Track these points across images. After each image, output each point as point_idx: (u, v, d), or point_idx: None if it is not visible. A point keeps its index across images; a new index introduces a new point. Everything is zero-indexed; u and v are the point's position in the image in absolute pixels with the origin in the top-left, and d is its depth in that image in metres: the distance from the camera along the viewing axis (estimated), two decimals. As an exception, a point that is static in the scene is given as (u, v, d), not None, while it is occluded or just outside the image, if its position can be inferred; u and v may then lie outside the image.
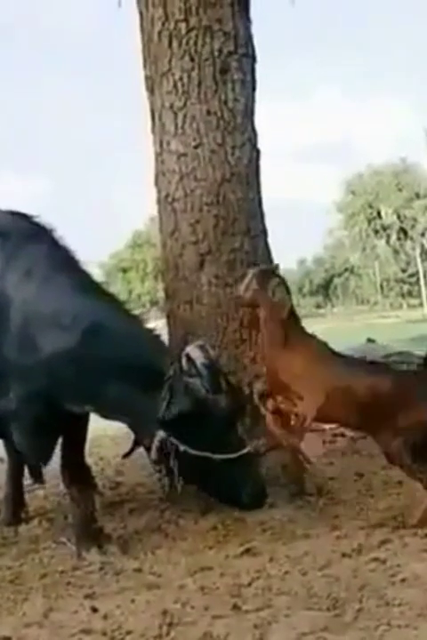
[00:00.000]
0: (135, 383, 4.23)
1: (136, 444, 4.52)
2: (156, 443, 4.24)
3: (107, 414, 4.54)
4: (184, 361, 4.24)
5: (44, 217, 4.77)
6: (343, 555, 4.18)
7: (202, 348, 4.30)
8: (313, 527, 4.71)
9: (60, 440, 4.74)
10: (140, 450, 4.55)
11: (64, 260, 4.49)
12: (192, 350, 4.28)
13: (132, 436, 4.60)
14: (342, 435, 7.77)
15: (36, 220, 4.73)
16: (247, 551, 4.40)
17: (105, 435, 7.77)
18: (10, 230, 4.62)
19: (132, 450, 4.56)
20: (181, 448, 4.21)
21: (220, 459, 4.23)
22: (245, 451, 4.33)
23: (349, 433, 7.77)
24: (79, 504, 4.72)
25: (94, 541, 4.59)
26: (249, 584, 3.89)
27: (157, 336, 4.50)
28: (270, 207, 5.58)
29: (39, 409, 4.36)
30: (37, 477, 4.82)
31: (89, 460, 4.99)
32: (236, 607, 3.60)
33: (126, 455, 4.59)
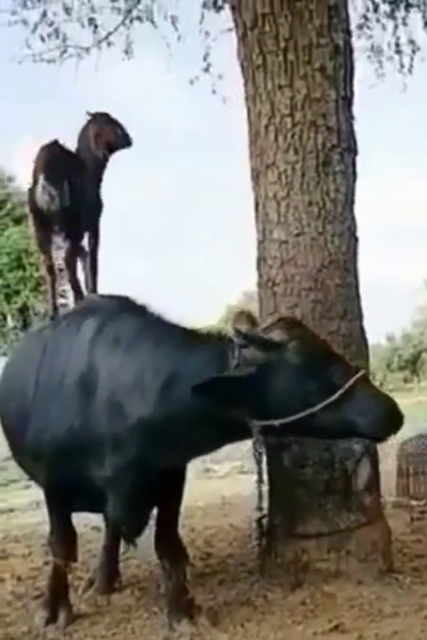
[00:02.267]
0: (226, 405, 4.13)
1: None
2: (255, 435, 4.19)
3: (210, 451, 4.64)
4: (235, 337, 4.15)
5: (142, 294, 5.01)
6: (432, 635, 4.18)
7: (241, 315, 4.26)
8: (401, 605, 4.73)
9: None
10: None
11: (148, 325, 4.60)
12: (237, 323, 4.19)
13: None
14: (431, 512, 7.77)
15: (122, 296, 4.92)
16: (336, 628, 4.44)
17: (196, 506, 7.89)
18: (98, 307, 4.87)
19: None
20: (276, 423, 4.08)
21: (322, 406, 4.01)
22: (347, 385, 4.02)
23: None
24: (171, 575, 4.80)
25: (185, 613, 4.66)
26: (338, 662, 3.94)
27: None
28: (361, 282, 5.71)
29: (135, 476, 4.43)
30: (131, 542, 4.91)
31: (180, 531, 5.07)
32: None
33: None
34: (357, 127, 5.66)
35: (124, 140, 6.11)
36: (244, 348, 4.10)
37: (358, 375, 4.07)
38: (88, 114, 6.07)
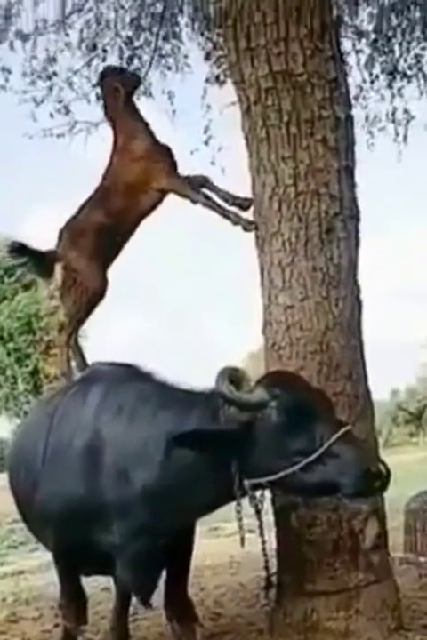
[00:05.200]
0: (213, 460, 4.16)
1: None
2: (249, 494, 4.17)
3: (215, 509, 4.56)
4: (219, 402, 4.19)
5: (142, 355, 5.09)
6: None
7: (222, 375, 4.16)
8: (411, 663, 4.72)
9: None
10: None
11: (152, 391, 4.66)
12: (218, 385, 4.14)
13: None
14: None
15: (127, 363, 4.99)
16: None
17: (204, 565, 7.89)
18: (104, 375, 4.92)
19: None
20: (264, 481, 4.10)
21: (302, 465, 3.96)
22: (327, 444, 3.94)
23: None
24: (181, 636, 4.85)
25: (194, 673, 4.69)
26: None
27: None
28: (365, 341, 5.78)
29: (143, 540, 4.48)
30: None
31: (189, 591, 5.12)
32: None
33: None
34: (362, 189, 5.84)
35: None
36: (229, 406, 4.14)
37: (340, 433, 4.00)
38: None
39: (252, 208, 5.80)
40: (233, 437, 4.10)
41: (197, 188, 6.04)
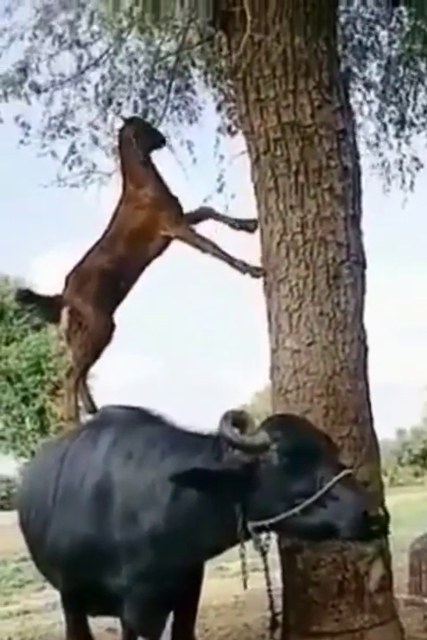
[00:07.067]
0: (231, 498, 4.18)
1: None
2: (253, 537, 4.20)
3: (223, 551, 4.57)
4: (223, 444, 4.23)
5: (150, 395, 5.13)
6: None
7: (226, 418, 4.19)
8: None
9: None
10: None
11: (161, 435, 4.69)
12: (222, 428, 4.18)
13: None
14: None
15: (137, 406, 5.05)
16: None
17: (209, 605, 7.86)
18: (114, 419, 4.97)
19: None
20: (266, 524, 4.12)
21: (301, 508, 3.99)
22: (326, 488, 3.96)
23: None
24: (186, 678, 4.84)
25: None
26: None
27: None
28: (371, 381, 5.86)
29: (151, 583, 4.52)
30: None
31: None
32: None
33: None
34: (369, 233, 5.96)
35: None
36: (233, 448, 4.19)
37: (340, 476, 4.01)
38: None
39: (260, 255, 5.92)
40: (234, 478, 4.15)
41: (202, 219, 6.17)
